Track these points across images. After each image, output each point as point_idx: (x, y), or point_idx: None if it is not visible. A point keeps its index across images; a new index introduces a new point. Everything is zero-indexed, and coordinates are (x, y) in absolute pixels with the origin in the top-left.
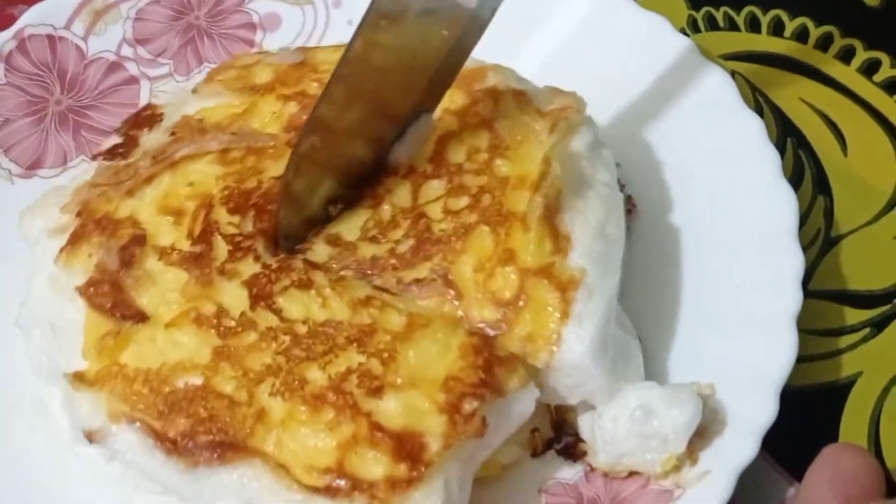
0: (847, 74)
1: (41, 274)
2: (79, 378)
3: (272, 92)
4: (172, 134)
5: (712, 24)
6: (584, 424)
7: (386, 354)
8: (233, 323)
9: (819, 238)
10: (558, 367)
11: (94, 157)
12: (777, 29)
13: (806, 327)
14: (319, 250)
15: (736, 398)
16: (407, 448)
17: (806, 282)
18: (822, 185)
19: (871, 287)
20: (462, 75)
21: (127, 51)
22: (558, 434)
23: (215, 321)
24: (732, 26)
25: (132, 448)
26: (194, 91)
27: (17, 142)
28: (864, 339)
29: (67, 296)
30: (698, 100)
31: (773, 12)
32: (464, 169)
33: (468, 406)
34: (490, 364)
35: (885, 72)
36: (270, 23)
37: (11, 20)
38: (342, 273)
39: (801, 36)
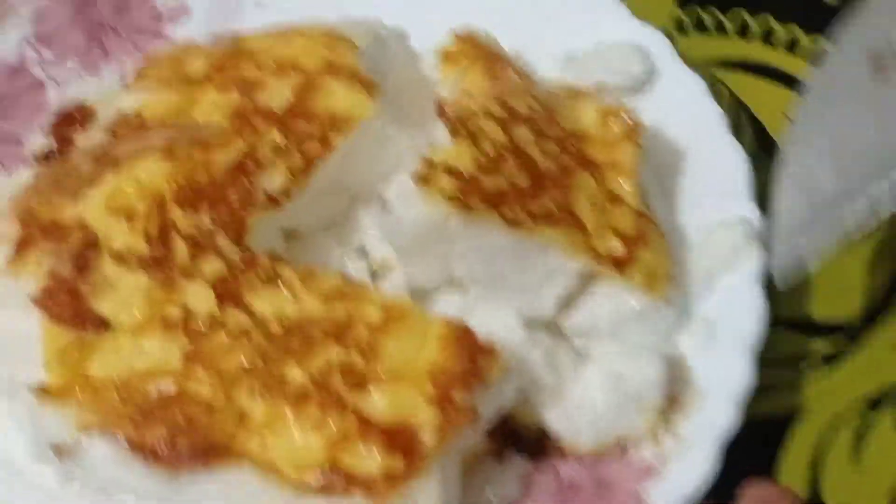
0: None
1: None
2: (44, 392)
3: (210, 82)
4: (111, 132)
5: (700, 27)
6: (555, 417)
7: (366, 347)
8: (201, 325)
9: None
10: (663, 307)
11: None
12: (766, 35)
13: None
14: None
15: (709, 366)
16: (400, 441)
17: None
18: None
19: (830, 315)
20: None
21: (29, 53)
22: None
23: (183, 325)
24: (720, 29)
25: (107, 461)
26: (124, 87)
27: None
28: (814, 372)
29: (19, 307)
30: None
31: (762, 16)
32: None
33: (459, 398)
34: (473, 354)
35: None
36: (178, 12)
37: None
38: None
39: (791, 45)
